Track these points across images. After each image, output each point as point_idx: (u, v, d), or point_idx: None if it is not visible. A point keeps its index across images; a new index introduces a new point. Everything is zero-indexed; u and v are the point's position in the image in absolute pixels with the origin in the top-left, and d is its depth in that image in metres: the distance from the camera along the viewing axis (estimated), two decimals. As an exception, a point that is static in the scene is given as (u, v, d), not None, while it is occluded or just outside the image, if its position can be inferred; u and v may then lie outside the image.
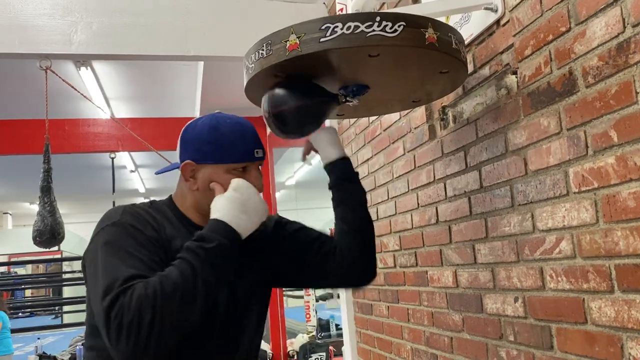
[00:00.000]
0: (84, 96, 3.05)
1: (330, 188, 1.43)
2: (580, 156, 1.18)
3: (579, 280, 1.19)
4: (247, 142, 1.24)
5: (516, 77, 1.41)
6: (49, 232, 2.89)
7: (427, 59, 1.36)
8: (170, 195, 1.30)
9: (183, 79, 5.63)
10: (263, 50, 1.34)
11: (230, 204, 1.12)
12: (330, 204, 1.46)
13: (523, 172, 1.37)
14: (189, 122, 1.29)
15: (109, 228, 1.12)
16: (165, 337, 0.96)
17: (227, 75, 4.65)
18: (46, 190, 2.93)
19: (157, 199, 1.32)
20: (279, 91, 1.44)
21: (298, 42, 1.28)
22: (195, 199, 1.23)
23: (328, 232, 1.47)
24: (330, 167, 1.42)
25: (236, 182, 1.16)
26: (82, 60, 5.02)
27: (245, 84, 1.46)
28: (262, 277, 1.32)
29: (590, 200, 1.15)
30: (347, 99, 1.49)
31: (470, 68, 1.61)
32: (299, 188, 11.47)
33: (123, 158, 8.51)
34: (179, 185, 1.29)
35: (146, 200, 1.30)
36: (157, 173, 1.40)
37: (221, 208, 1.12)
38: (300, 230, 1.42)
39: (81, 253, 1.28)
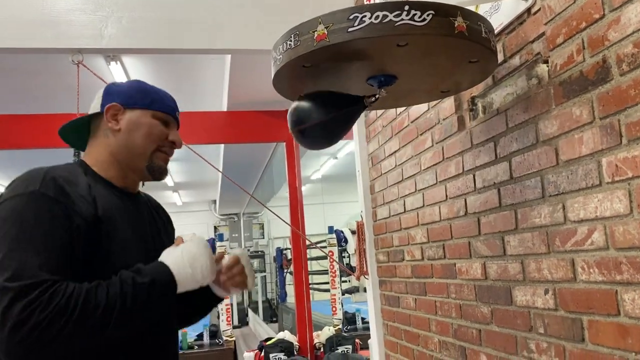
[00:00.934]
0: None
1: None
2: (614, 146, 1.16)
3: (611, 271, 1.17)
4: (171, 100, 1.37)
5: (547, 66, 1.39)
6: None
7: (456, 49, 1.34)
8: (80, 161, 1.30)
9: (210, 73, 5.69)
10: (291, 41, 1.35)
11: (180, 253, 1.17)
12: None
13: (554, 163, 1.35)
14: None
15: (32, 197, 1.07)
16: (59, 349, 0.98)
17: (254, 68, 4.68)
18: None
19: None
20: (303, 105, 1.48)
21: (326, 32, 1.28)
22: (116, 142, 1.27)
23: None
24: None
25: (193, 236, 1.23)
26: (112, 54, 5.11)
27: (273, 75, 1.47)
28: None
29: (624, 190, 1.13)
30: (375, 95, 1.49)
31: (500, 57, 1.59)
32: (324, 182, 11.48)
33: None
34: (94, 144, 1.30)
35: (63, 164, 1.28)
36: (60, 131, 1.35)
37: (170, 254, 1.17)
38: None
39: None
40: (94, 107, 1.32)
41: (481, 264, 1.73)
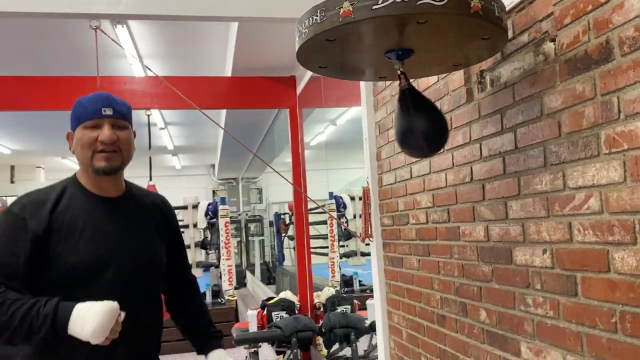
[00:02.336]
0: (133, 56, 3.17)
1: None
2: (612, 120, 1.28)
3: (604, 233, 1.31)
4: (95, 103, 1.54)
5: (554, 44, 1.50)
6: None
7: (470, 26, 1.45)
8: (75, 173, 1.65)
9: (216, 38, 5.72)
10: (317, 16, 1.45)
11: (87, 313, 1.39)
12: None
13: (557, 134, 1.48)
14: None
15: (5, 214, 1.51)
16: None
17: (261, 34, 4.72)
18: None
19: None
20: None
21: (351, 9, 1.38)
22: (78, 159, 1.58)
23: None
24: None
25: (109, 304, 1.44)
26: (121, 19, 5.14)
27: (297, 48, 1.57)
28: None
29: (620, 160, 1.26)
30: (400, 71, 1.62)
31: (509, 34, 1.70)
32: (324, 149, 11.58)
33: (152, 115, 8.70)
34: None
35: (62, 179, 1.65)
36: None
37: (82, 308, 1.40)
38: (180, 244, 1.85)
39: None
40: None
41: (484, 227, 1.87)
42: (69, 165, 13.90)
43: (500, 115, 1.76)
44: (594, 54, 1.33)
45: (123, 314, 1.44)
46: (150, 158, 5.37)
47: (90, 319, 1.37)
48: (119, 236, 1.55)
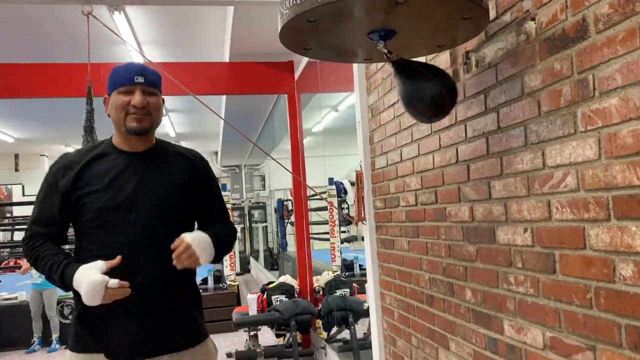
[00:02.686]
0: (125, 41, 3.18)
1: None
2: (587, 98, 1.29)
3: (580, 210, 1.32)
4: (129, 72, 1.73)
5: (534, 23, 1.50)
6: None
7: (451, 5, 1.45)
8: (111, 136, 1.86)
9: (213, 24, 5.71)
10: (297, -3, 1.45)
11: (82, 281, 1.62)
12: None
13: (536, 114, 1.48)
14: None
15: (48, 170, 1.80)
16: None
17: (257, 19, 4.72)
18: (89, 130, 3.13)
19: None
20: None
21: (330, -11, 1.38)
22: (113, 121, 1.77)
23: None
24: None
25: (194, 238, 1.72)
26: (116, 4, 5.13)
27: (279, 29, 1.57)
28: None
29: (595, 138, 1.27)
30: (385, 52, 1.62)
31: (492, 14, 1.70)
32: (325, 135, 11.57)
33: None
34: None
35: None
36: None
37: (77, 277, 1.64)
38: (214, 197, 1.95)
39: None
40: None
41: (469, 207, 1.89)
42: (73, 153, 13.95)
43: (484, 95, 1.76)
44: (571, 32, 1.33)
45: (114, 282, 1.59)
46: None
47: (83, 287, 1.59)
48: (139, 183, 1.74)
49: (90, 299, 1.58)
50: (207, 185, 1.91)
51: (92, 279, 1.58)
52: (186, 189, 1.81)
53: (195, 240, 1.70)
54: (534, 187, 1.51)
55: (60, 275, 1.66)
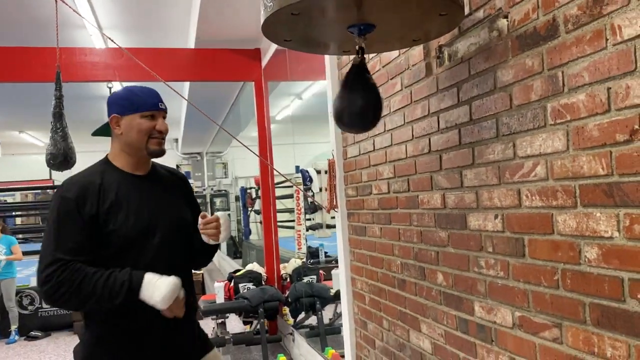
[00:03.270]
0: (93, 25, 3.13)
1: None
2: (557, 93, 1.38)
3: (549, 198, 1.42)
4: (153, 97, 1.79)
5: (507, 20, 1.58)
6: (62, 156, 3.07)
7: (429, 2, 1.52)
8: (105, 157, 1.83)
9: (178, 9, 5.63)
10: (282, -11, 1.49)
11: (153, 288, 1.64)
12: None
13: (508, 107, 1.57)
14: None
15: (60, 199, 1.69)
16: (65, 306, 1.68)
17: (224, 5, 4.68)
18: (58, 117, 3.08)
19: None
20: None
21: (315, -17, 1.42)
22: (122, 142, 1.77)
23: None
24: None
25: (222, 215, 1.86)
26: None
27: (262, 21, 1.61)
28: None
29: (563, 130, 1.36)
30: (358, 47, 1.69)
31: (466, 10, 1.77)
32: (290, 123, 11.59)
33: (115, 88, 8.52)
34: (112, 142, 1.81)
35: (94, 163, 1.84)
36: (93, 134, 1.93)
37: (151, 279, 1.65)
38: (198, 207, 2.04)
39: None
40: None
41: (441, 195, 1.97)
42: (26, 140, 13.53)
43: (457, 88, 1.84)
44: (542, 30, 1.42)
45: (183, 293, 1.70)
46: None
47: (159, 287, 1.62)
48: (157, 206, 1.79)
49: (167, 300, 1.63)
50: (193, 199, 2.05)
51: (172, 279, 1.64)
52: (188, 208, 1.93)
53: (223, 217, 1.86)
54: (505, 176, 1.60)
55: (128, 279, 1.62)
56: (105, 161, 1.81)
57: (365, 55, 2.61)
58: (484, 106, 1.69)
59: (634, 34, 1.14)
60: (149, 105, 1.77)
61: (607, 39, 1.21)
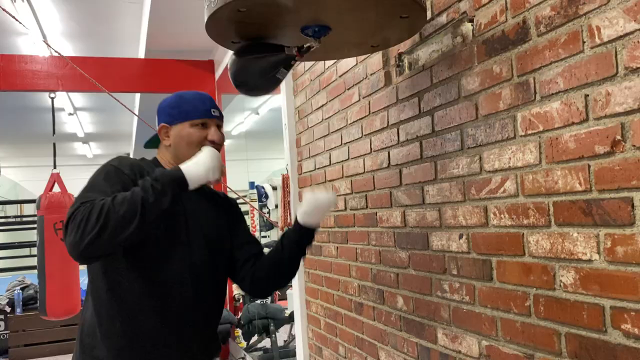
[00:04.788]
0: (27, 28, 2.88)
1: (294, 240, 1.59)
2: (528, 101, 1.26)
3: (520, 216, 1.30)
4: (204, 103, 1.56)
5: (472, 25, 1.47)
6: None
7: (389, 3, 1.39)
8: (154, 158, 1.60)
9: (127, 18, 5.39)
10: (227, -17, 1.33)
11: (191, 161, 1.38)
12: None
13: (474, 117, 1.45)
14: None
15: (102, 166, 1.47)
16: (100, 241, 1.23)
17: (175, 14, 4.49)
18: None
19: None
20: (233, 58, 1.65)
21: (264, -25, 1.27)
22: (171, 154, 1.54)
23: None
24: (306, 231, 1.59)
25: (207, 148, 1.44)
26: (18, -10, 4.71)
27: (206, 18, 1.44)
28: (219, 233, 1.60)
29: (535, 142, 1.24)
30: (308, 45, 1.53)
31: (428, 15, 1.65)
32: (246, 138, 11.39)
33: (60, 100, 8.13)
34: (160, 148, 1.60)
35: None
36: (145, 146, 1.71)
37: (189, 161, 1.38)
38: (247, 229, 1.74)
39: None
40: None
41: (401, 213, 1.84)
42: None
43: (418, 98, 1.72)
44: (511, 34, 1.31)
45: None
46: (54, 145, 4.96)
47: (203, 161, 1.38)
48: (195, 221, 1.54)
49: (215, 165, 1.38)
50: (243, 226, 1.72)
51: (208, 150, 1.41)
52: (230, 233, 1.65)
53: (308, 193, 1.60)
54: (471, 192, 1.47)
55: (161, 173, 1.33)
56: (153, 160, 1.58)
57: (322, 64, 2.48)
58: (448, 117, 1.56)
59: (615, 35, 1.04)
60: (200, 112, 1.54)
61: (584, 42, 1.10)
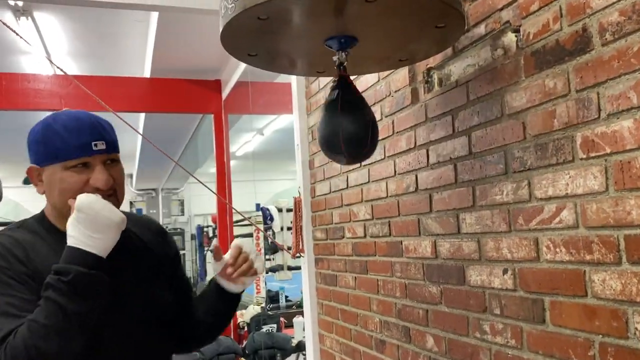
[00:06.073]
0: (26, 41, 2.77)
1: (215, 295, 1.33)
2: (590, 120, 1.10)
3: (580, 251, 1.13)
4: (81, 135, 1.13)
5: (516, 35, 1.32)
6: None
7: (425, 10, 1.25)
8: (41, 212, 1.22)
9: (133, 37, 5.30)
10: (246, -13, 1.19)
11: (79, 227, 1.03)
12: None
13: (521, 137, 1.29)
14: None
15: None
16: None
17: (182, 32, 4.39)
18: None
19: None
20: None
21: (288, -22, 1.14)
22: (49, 202, 1.18)
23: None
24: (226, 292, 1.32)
25: (78, 201, 1.05)
26: (23, 9, 4.62)
27: (222, 28, 1.30)
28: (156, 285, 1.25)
29: (600, 166, 1.08)
30: (338, 63, 1.39)
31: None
32: (251, 159, 11.27)
33: (64, 119, 8.03)
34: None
35: (15, 222, 1.22)
36: (24, 182, 1.38)
37: (72, 233, 1.03)
38: (184, 275, 1.43)
39: (17, 219, 1.24)
40: None
41: (431, 242, 1.67)
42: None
43: (452, 117, 1.57)
44: (568, 44, 1.16)
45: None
46: (56, 164, 4.86)
47: (102, 223, 1.03)
48: (120, 282, 1.12)
49: (109, 209, 1.05)
50: (178, 267, 1.40)
51: (82, 201, 1.05)
52: (165, 279, 1.31)
53: (243, 243, 1.32)
54: (517, 221, 1.31)
55: (65, 269, 0.99)
56: (40, 217, 1.20)
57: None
58: (489, 137, 1.41)
59: None
60: (74, 149, 1.12)
61: (665, 50, 0.95)
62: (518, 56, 1.31)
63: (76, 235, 1.02)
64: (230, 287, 1.30)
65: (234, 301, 1.35)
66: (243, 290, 1.35)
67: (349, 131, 1.43)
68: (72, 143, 1.12)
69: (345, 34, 1.38)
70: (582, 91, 1.12)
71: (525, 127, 1.28)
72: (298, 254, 2.69)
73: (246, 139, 10.14)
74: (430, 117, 1.68)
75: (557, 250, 1.19)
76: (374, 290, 2.04)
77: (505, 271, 1.35)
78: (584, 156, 1.12)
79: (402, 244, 1.84)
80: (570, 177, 1.15)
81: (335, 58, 1.42)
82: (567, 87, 1.16)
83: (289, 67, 1.68)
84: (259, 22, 1.26)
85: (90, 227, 1.02)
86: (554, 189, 1.19)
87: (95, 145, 1.13)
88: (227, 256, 1.29)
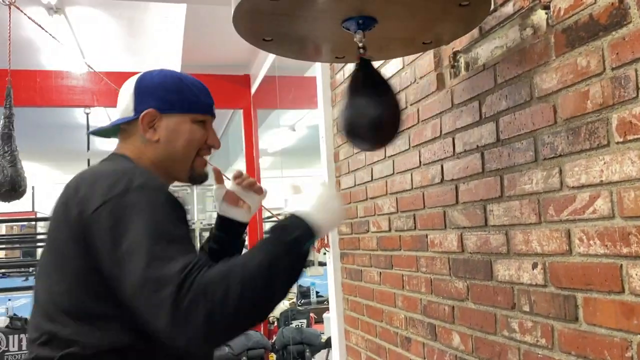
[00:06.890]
0: (57, 40, 2.79)
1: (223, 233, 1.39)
2: (627, 99, 1.01)
3: (616, 243, 1.04)
4: (208, 97, 1.24)
5: (547, 12, 1.23)
6: (9, 184, 2.61)
7: (448, -13, 1.17)
8: (123, 155, 1.16)
9: (163, 32, 5.33)
10: (257, -33, 1.14)
11: (320, 207, 1.03)
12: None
13: (551, 121, 1.20)
14: (139, 74, 1.22)
15: (141, 195, 0.98)
16: (241, 325, 0.92)
17: (210, 28, 4.39)
18: (7, 138, 2.65)
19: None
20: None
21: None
22: (155, 152, 1.16)
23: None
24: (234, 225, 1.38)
25: (322, 189, 1.09)
26: (55, 7, 4.69)
27: (233, 10, 1.25)
28: None
29: (638, 151, 0.99)
30: (359, 45, 1.32)
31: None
32: (283, 155, 11.27)
33: (97, 116, 8.18)
34: (130, 142, 1.17)
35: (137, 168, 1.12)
36: (92, 133, 1.31)
37: (310, 206, 1.03)
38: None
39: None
40: (126, 108, 1.17)
41: (457, 236, 1.59)
42: None
43: (479, 102, 1.48)
44: (602, 17, 1.06)
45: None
46: (88, 161, 4.90)
47: (331, 207, 1.05)
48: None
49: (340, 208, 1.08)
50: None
51: (326, 189, 1.10)
52: None
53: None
54: (548, 212, 1.22)
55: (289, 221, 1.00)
56: (139, 167, 1.13)
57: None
58: (517, 122, 1.32)
59: None
60: (205, 106, 1.20)
61: None
62: (548, 34, 1.21)
63: (313, 213, 1.01)
64: (235, 214, 1.35)
65: (238, 230, 1.38)
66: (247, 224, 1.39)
67: (370, 114, 1.35)
68: (204, 100, 1.21)
69: (363, 14, 1.31)
70: (619, 69, 1.03)
71: (556, 111, 1.19)
72: (323, 249, 2.64)
73: (277, 135, 10.14)
74: (457, 103, 1.59)
75: (591, 242, 1.10)
76: (399, 286, 1.97)
77: (534, 265, 1.27)
78: (620, 140, 1.02)
79: (427, 237, 1.76)
80: (605, 163, 1.06)
81: (355, 39, 1.36)
82: (602, 65, 1.06)
83: (307, 52, 1.61)
84: (271, 4, 1.21)
85: (325, 213, 1.03)
86: (587, 176, 1.10)
87: (214, 108, 1.24)
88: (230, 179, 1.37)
